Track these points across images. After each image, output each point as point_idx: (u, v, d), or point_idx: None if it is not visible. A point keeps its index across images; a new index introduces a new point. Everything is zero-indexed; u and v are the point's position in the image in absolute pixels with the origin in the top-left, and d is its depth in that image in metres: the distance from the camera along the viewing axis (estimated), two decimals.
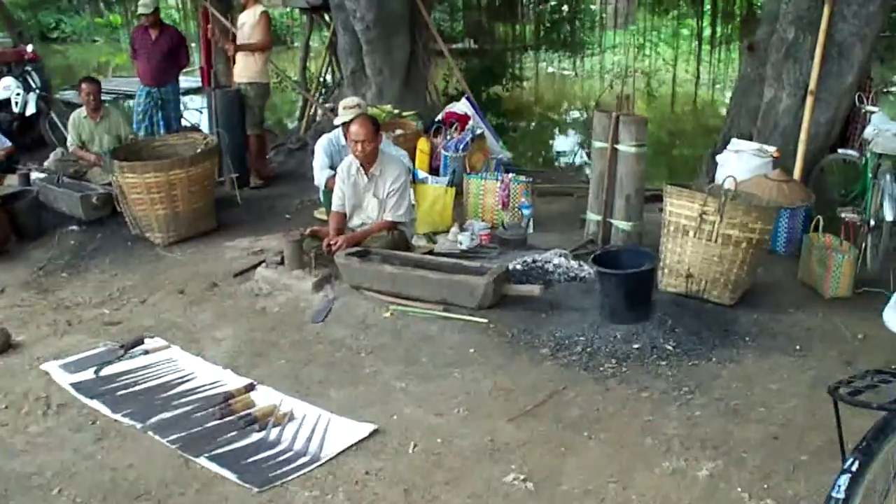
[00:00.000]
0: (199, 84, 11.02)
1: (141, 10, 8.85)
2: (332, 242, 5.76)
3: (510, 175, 7.25)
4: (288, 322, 5.26)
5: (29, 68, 11.27)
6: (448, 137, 8.38)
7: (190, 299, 5.73)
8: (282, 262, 5.86)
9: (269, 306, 5.49)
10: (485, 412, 4.14)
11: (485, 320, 5.05)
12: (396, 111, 8.72)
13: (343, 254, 5.54)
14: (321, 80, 10.08)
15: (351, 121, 6.37)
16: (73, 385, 4.52)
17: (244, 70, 8.30)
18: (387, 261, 5.53)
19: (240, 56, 8.26)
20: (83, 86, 8.26)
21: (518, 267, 5.76)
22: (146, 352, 4.91)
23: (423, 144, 8.25)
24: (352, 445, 3.84)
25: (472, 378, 4.47)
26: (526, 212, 6.96)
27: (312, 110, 9.82)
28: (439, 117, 8.81)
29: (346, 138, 6.57)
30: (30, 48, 11.86)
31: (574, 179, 8.90)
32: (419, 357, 4.73)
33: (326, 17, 10.59)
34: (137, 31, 9.18)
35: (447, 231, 6.85)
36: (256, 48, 8.20)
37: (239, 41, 8.35)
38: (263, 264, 5.93)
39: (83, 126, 8.31)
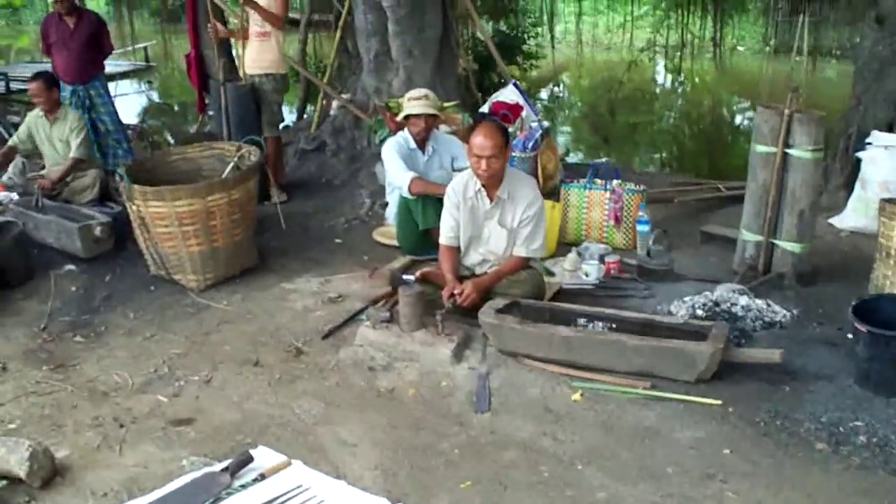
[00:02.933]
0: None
1: None
2: (457, 292, 4.36)
3: (616, 182, 5.91)
4: (437, 412, 3.85)
5: None
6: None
7: (274, 376, 4.24)
8: (391, 319, 4.41)
9: (399, 387, 4.05)
10: None
11: (717, 402, 3.75)
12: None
13: (491, 310, 4.15)
14: (332, 66, 8.43)
15: (418, 116, 5.46)
16: None
17: (259, 58, 6.76)
18: (553, 318, 4.15)
19: (253, 42, 6.70)
20: (29, 86, 6.76)
21: (699, 312, 4.46)
22: (261, 476, 3.41)
23: None
24: None
25: (754, 498, 3.16)
26: (644, 228, 5.66)
27: (325, 102, 8.21)
28: (486, 108, 7.39)
29: (414, 140, 5.63)
30: None
31: (651, 178, 7.60)
32: (658, 466, 3.39)
33: None
34: (50, 20, 7.65)
35: (554, 257, 5.51)
36: (273, 20, 6.62)
37: (251, 26, 6.74)
38: (365, 322, 4.46)
39: (39, 127, 6.77)
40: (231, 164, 5.50)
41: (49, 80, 6.73)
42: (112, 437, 3.78)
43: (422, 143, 5.58)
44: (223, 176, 5.47)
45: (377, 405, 3.93)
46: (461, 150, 5.73)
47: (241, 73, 6.84)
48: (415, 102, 5.44)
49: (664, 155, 10.77)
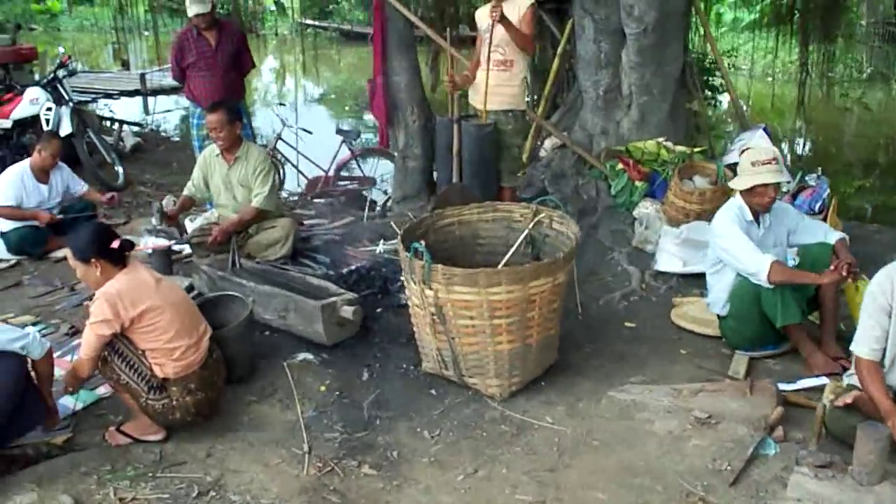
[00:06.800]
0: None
1: (197, 10, 6.26)
2: None
3: None
4: None
5: (61, 75, 8.13)
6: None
7: None
8: (831, 463, 3.24)
9: None
10: None
11: None
12: (681, 148, 6.11)
13: None
14: (547, 99, 7.23)
15: (766, 185, 4.27)
16: None
17: (498, 91, 5.56)
18: None
19: (492, 72, 5.52)
20: (208, 117, 5.50)
21: None
22: None
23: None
24: None
25: None
26: None
27: (537, 142, 7.02)
28: (733, 157, 6.23)
29: (749, 210, 4.40)
30: (61, 49, 8.75)
31: None
32: None
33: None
34: (186, 36, 6.55)
35: None
36: (525, 42, 5.47)
37: (483, 50, 5.57)
38: (799, 468, 3.28)
39: (214, 168, 5.57)
40: (524, 233, 4.30)
41: (232, 113, 5.54)
42: None
43: (757, 215, 4.42)
44: (513, 247, 4.30)
45: None
46: (801, 220, 4.60)
47: (476, 109, 5.64)
48: (765, 168, 4.29)
49: None
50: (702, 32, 8.31)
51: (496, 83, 5.50)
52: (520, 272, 3.82)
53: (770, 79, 17.75)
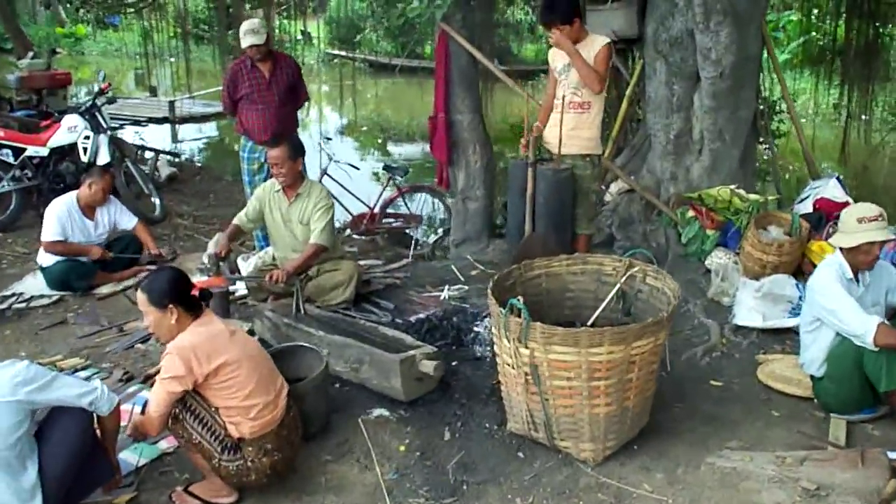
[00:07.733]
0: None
1: (251, 41, 5.98)
2: None
3: None
4: None
5: (100, 102, 7.93)
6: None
7: None
8: None
9: None
10: None
11: None
12: (754, 197, 5.88)
13: None
14: (614, 141, 7.00)
15: (872, 244, 3.99)
16: None
17: (574, 135, 5.33)
18: None
19: (568, 114, 5.30)
20: (269, 152, 5.27)
21: None
22: None
23: (826, 252, 5.49)
24: None
25: None
26: None
27: (604, 185, 6.80)
28: (807, 206, 6.00)
29: (850, 269, 4.09)
30: (101, 76, 8.57)
31: None
32: None
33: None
34: (240, 67, 6.28)
35: None
36: (594, 81, 5.25)
37: (559, 92, 5.37)
38: None
39: (274, 205, 5.39)
40: (616, 288, 4.07)
41: (295, 149, 5.33)
42: None
43: (857, 273, 4.18)
44: (605, 302, 4.05)
45: None
46: None
47: (550, 152, 5.41)
48: (872, 225, 4.05)
49: None
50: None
51: (573, 126, 5.27)
52: (623, 332, 3.58)
53: (804, 120, 17.50)
